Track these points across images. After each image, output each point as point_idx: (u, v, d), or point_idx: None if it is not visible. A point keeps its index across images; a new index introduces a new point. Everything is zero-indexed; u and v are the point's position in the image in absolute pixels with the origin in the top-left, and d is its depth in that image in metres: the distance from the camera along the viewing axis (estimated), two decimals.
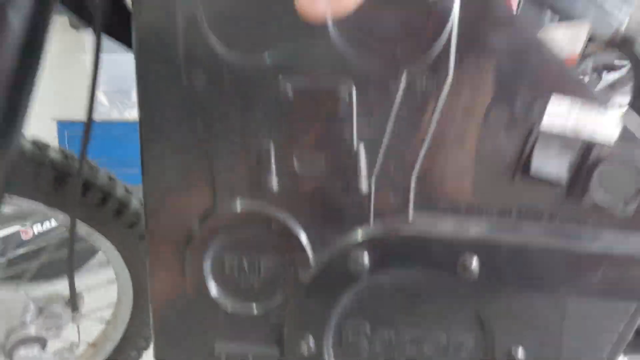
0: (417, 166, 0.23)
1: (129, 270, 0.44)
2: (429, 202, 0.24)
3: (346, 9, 0.19)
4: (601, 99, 0.22)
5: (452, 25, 0.20)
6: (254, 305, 0.26)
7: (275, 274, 0.25)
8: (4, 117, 0.25)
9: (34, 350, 0.35)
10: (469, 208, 0.24)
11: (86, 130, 0.28)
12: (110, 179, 0.39)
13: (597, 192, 0.22)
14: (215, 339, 0.27)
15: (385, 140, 0.22)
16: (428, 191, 0.23)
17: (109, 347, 0.50)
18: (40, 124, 2.50)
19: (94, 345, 0.51)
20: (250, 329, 0.26)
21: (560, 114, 0.22)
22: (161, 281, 0.27)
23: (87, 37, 2.23)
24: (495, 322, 0.25)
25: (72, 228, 0.31)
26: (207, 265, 0.25)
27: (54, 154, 0.34)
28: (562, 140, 0.22)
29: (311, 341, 0.26)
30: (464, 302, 0.25)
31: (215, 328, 0.27)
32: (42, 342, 0.36)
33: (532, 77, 0.21)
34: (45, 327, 0.36)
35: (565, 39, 0.30)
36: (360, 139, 0.22)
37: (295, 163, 0.23)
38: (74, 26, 2.15)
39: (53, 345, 0.38)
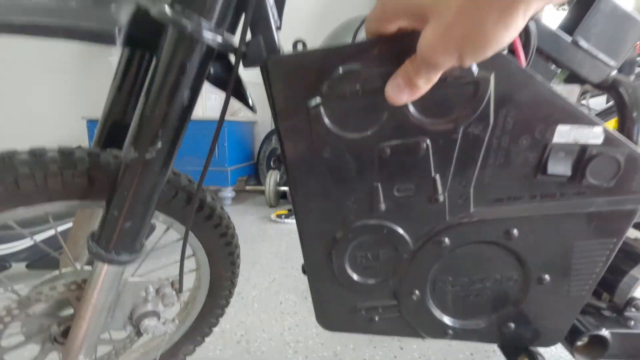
0: (474, 180, 0.36)
1: (209, 261, 0.56)
2: (482, 200, 0.37)
3: (417, 96, 0.28)
4: (591, 119, 0.34)
5: (490, 91, 0.31)
6: (376, 278, 0.41)
7: (387, 259, 0.40)
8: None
9: (153, 321, 0.46)
10: (509, 198, 0.37)
11: (205, 166, 0.38)
12: (204, 190, 0.50)
13: (592, 177, 0.35)
14: (356, 300, 0.42)
15: (452, 169, 0.35)
16: (481, 194, 0.36)
17: (187, 322, 0.62)
18: (71, 122, 2.64)
19: (172, 320, 0.62)
20: (376, 291, 0.42)
21: (567, 134, 0.34)
22: (314, 267, 0.41)
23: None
24: (532, 261, 0.39)
25: (187, 233, 0.42)
26: (346, 258, 0.40)
27: (183, 180, 0.45)
28: (567, 148, 0.34)
29: (416, 293, 0.42)
30: (510, 253, 0.39)
31: (353, 292, 0.42)
32: (157, 315, 0.47)
33: (546, 114, 0.33)
34: (160, 304, 0.48)
35: (564, 94, 0.39)
36: (436, 172, 0.35)
37: (395, 191, 0.36)
38: None
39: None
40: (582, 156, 0.35)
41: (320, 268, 0.41)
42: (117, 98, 0.44)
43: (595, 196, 0.36)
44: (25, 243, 1.02)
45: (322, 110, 0.32)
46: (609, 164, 0.35)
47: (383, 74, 0.30)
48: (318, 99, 0.32)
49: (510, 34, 0.22)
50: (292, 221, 1.80)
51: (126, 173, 0.34)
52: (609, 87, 0.43)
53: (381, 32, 0.29)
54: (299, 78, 0.32)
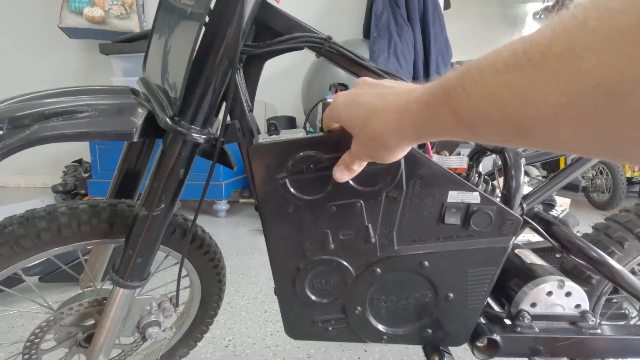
0: (395, 227, 0.50)
1: (200, 280, 0.69)
2: (402, 240, 0.51)
3: (353, 176, 0.42)
4: (472, 187, 0.49)
5: (402, 169, 0.46)
6: (329, 298, 0.55)
7: (337, 284, 0.54)
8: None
9: (156, 329, 0.60)
10: (421, 239, 0.51)
11: (196, 213, 0.51)
12: (196, 225, 0.64)
13: (475, 225, 0.50)
14: (314, 315, 0.56)
15: (379, 220, 0.49)
16: (402, 236, 0.51)
17: (182, 329, 0.75)
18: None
19: (170, 328, 0.75)
20: (329, 308, 0.56)
21: (455, 197, 0.48)
22: (282, 290, 0.55)
23: (114, 62, 2.47)
24: (439, 284, 0.54)
25: (182, 261, 0.55)
26: (306, 283, 0.54)
27: (180, 219, 0.59)
28: (457, 206, 0.49)
29: (359, 308, 0.55)
30: (424, 278, 0.54)
31: (312, 309, 0.56)
32: (159, 325, 0.60)
33: (441, 183, 0.48)
34: (161, 315, 0.61)
35: (457, 161, 0.53)
36: (368, 222, 0.49)
37: (340, 235, 0.50)
38: (104, 52, 2.40)
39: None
40: (467, 211, 0.50)
41: (287, 291, 0.55)
42: (128, 158, 0.58)
43: (479, 238, 0.51)
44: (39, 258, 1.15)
45: (287, 181, 0.47)
46: (485, 216, 0.50)
47: (329, 157, 0.45)
48: (284, 174, 0.47)
49: (396, 158, 0.36)
50: None
51: (138, 225, 0.47)
52: (498, 152, 0.57)
53: (329, 127, 0.44)
54: (271, 160, 0.46)
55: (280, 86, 2.59)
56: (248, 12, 0.44)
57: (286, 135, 0.50)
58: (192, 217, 0.58)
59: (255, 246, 1.74)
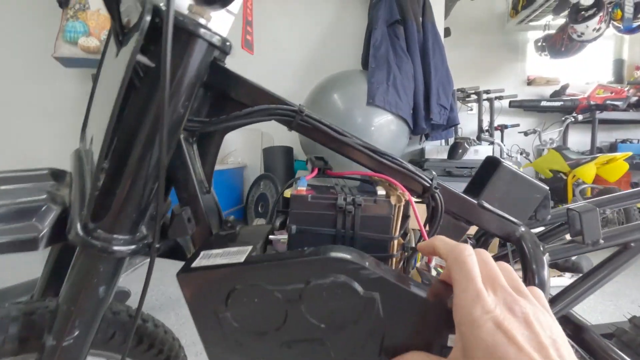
0: None
1: None
2: None
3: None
4: None
5: (378, 303, 0.32)
6: None
7: None
8: None
9: None
10: None
11: (140, 302, 0.39)
12: (145, 320, 0.52)
13: None
14: None
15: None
16: None
17: None
18: (68, 166, 2.69)
19: None
20: None
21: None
22: None
23: None
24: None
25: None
26: None
27: (123, 317, 0.47)
28: None
29: None
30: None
31: None
32: None
33: (435, 323, 0.32)
34: None
35: None
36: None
37: None
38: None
39: None
40: None
41: None
42: (55, 248, 0.48)
43: None
44: None
45: (228, 315, 0.33)
46: None
47: (278, 289, 0.32)
48: (223, 307, 0.33)
49: None
50: None
51: (46, 358, 0.36)
52: (515, 241, 0.46)
53: (428, 253, 0.32)
54: (206, 290, 0.33)
55: None
56: (190, 76, 0.34)
57: (232, 247, 0.36)
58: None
59: None
